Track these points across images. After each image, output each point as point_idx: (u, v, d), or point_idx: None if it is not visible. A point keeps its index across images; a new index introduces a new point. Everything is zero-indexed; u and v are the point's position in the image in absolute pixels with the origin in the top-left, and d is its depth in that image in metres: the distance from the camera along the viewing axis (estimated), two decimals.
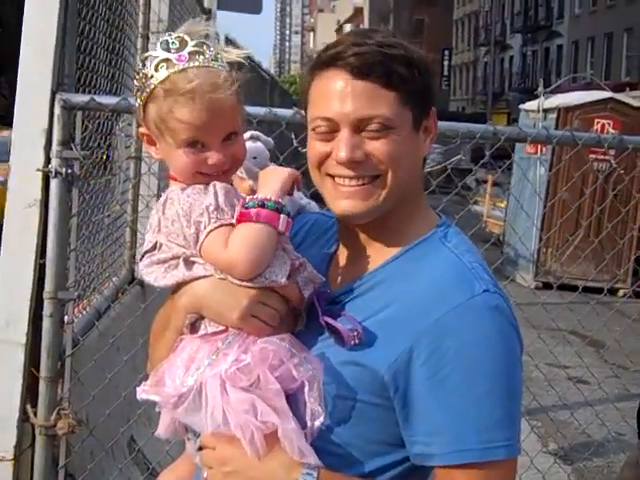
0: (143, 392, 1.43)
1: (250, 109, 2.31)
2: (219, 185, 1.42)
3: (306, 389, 1.36)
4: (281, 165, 1.68)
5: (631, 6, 37.21)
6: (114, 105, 2.66)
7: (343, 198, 1.44)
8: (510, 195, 11.94)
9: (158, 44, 1.43)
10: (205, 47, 1.43)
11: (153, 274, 1.45)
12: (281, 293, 1.43)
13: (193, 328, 1.44)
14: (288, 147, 2.78)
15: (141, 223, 4.37)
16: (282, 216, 1.40)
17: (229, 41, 11.01)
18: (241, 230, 1.38)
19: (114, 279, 4.04)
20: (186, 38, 1.43)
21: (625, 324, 4.76)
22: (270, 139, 1.64)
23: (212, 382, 1.37)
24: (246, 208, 1.39)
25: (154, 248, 1.46)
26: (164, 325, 1.49)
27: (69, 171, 2.57)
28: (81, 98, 2.64)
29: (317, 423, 1.36)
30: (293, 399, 1.38)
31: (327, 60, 1.43)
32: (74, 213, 2.65)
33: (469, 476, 1.34)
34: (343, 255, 1.54)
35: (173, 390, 1.39)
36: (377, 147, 1.41)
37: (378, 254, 1.48)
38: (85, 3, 2.87)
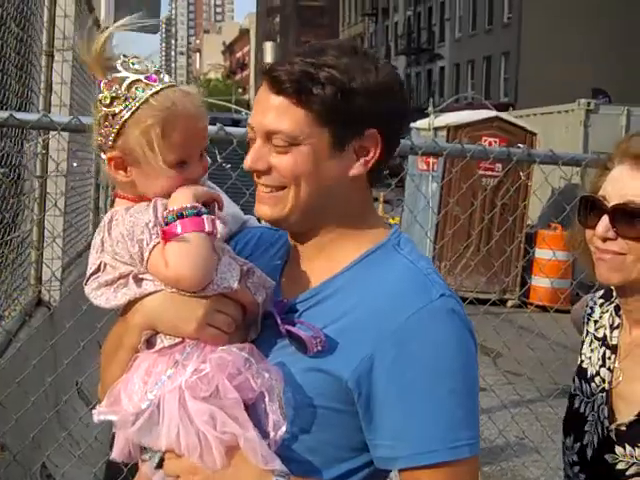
0: (99, 414, 1.40)
1: None
2: (160, 201, 1.42)
3: (266, 399, 1.36)
4: (234, 184, 1.72)
5: (508, 31, 38.88)
6: (35, 122, 2.62)
7: (258, 202, 1.50)
8: (403, 212, 12.24)
9: (119, 66, 1.42)
10: (159, 66, 1.46)
11: (103, 296, 1.43)
12: (234, 299, 1.43)
13: (149, 344, 1.42)
14: (211, 164, 2.79)
15: (46, 242, 4.29)
16: (204, 217, 1.38)
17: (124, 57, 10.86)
18: (172, 249, 1.37)
19: (21, 300, 3.94)
20: (140, 57, 1.45)
21: (518, 334, 4.96)
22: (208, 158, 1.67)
23: (170, 396, 1.36)
24: (167, 224, 1.38)
25: (98, 269, 1.44)
26: (116, 345, 1.47)
27: None
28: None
29: (280, 433, 1.36)
30: (252, 409, 1.38)
31: (263, 71, 1.48)
32: None
33: (435, 477, 1.36)
34: (294, 266, 1.54)
35: (132, 407, 1.37)
36: (279, 161, 1.44)
37: (331, 265, 1.49)
38: None
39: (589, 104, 12.96)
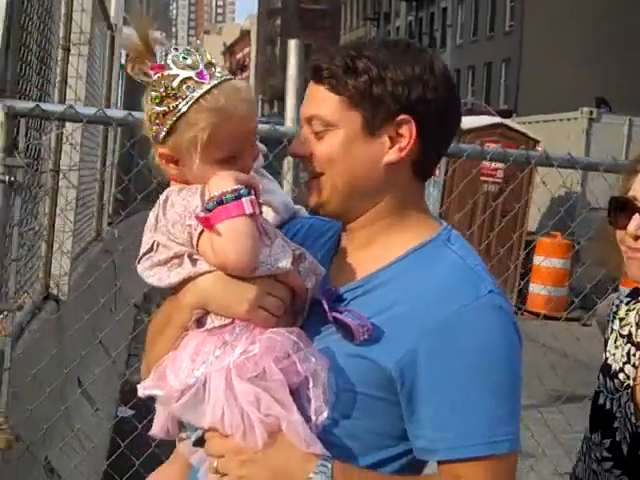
0: (145, 388, 1.42)
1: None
2: (206, 187, 1.43)
3: (310, 385, 1.38)
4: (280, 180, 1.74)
5: (509, 38, 38.96)
6: (60, 113, 2.62)
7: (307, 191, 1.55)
8: None
9: (169, 61, 1.43)
10: (209, 58, 1.46)
11: (156, 275, 1.45)
12: (285, 282, 1.45)
13: (199, 324, 1.43)
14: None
15: (57, 237, 4.29)
16: (244, 200, 1.38)
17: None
18: (215, 236, 1.38)
19: (30, 292, 3.95)
20: (191, 50, 1.45)
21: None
22: (263, 146, 1.69)
23: (217, 375, 1.37)
24: (209, 210, 1.39)
25: (151, 249, 1.46)
26: (165, 323, 1.48)
27: (12, 179, 2.52)
28: (25, 105, 2.59)
29: (321, 419, 1.38)
30: (296, 393, 1.39)
31: (310, 65, 1.55)
32: (16, 222, 2.59)
33: (474, 470, 1.39)
34: (344, 256, 1.57)
35: (178, 384, 1.38)
36: (318, 147, 1.50)
37: (381, 256, 1.51)
38: (24, 10, 2.83)
39: (592, 113, 12.99)
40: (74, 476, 3.71)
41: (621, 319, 2.05)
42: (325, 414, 1.38)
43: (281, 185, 1.63)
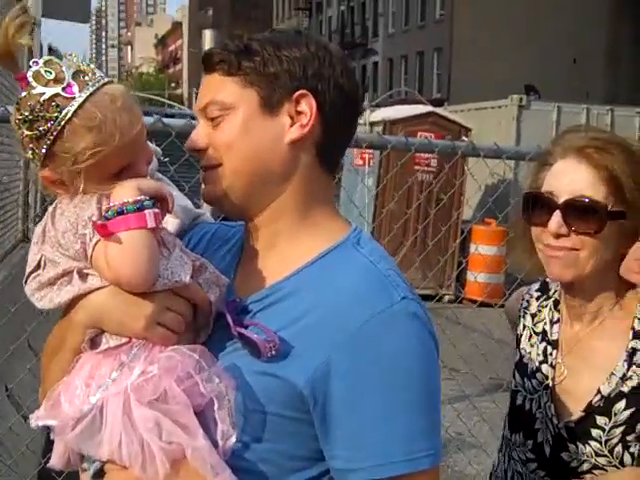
0: (37, 418, 1.30)
1: None
2: (103, 195, 1.32)
3: (215, 407, 1.28)
4: (172, 177, 1.62)
5: (440, 27, 39.33)
6: None
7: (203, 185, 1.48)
8: (339, 208, 12.21)
9: (30, 78, 1.29)
10: (78, 62, 1.32)
11: (46, 297, 1.33)
12: (185, 296, 1.35)
13: (93, 344, 1.32)
14: (179, 158, 2.66)
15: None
16: (147, 212, 1.28)
17: (51, 50, 10.59)
18: (111, 248, 1.27)
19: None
20: (54, 60, 1.31)
21: (456, 329, 4.97)
22: (157, 147, 1.57)
23: (114, 400, 1.27)
24: (107, 219, 1.28)
25: (38, 267, 1.34)
26: (58, 345, 1.37)
27: None
28: None
29: (229, 443, 1.28)
30: (202, 417, 1.29)
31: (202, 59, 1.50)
32: None
33: None
34: (249, 263, 1.47)
35: (73, 411, 1.27)
36: (215, 135, 1.42)
37: (287, 261, 1.41)
38: None
39: (521, 100, 13.17)
40: None
41: (533, 315, 1.99)
42: (233, 438, 1.28)
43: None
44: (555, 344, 1.89)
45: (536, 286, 2.02)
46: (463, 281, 11.24)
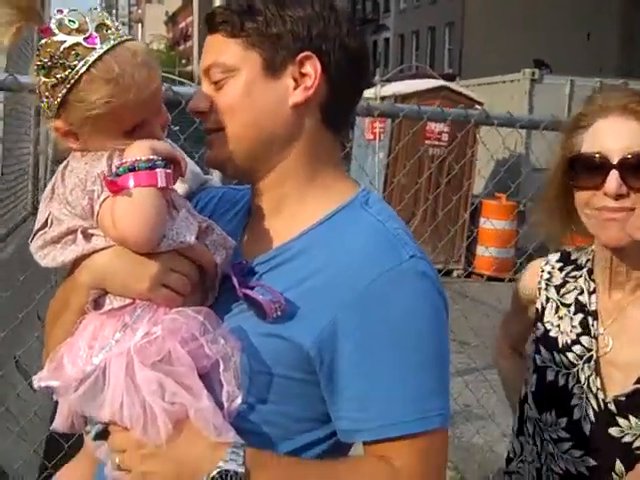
0: (40, 379, 1.29)
1: None
2: (117, 152, 1.31)
3: (221, 368, 1.26)
4: (182, 146, 1.60)
5: (452, 2, 38.96)
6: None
7: (207, 149, 1.45)
8: None
9: (53, 25, 1.27)
10: (102, 17, 1.31)
11: (50, 255, 1.32)
12: (191, 257, 1.33)
13: (96, 305, 1.31)
14: (189, 127, 2.59)
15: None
16: (158, 171, 1.27)
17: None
18: (119, 203, 1.25)
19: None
20: (80, 12, 1.29)
21: (465, 302, 4.95)
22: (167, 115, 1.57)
23: (117, 361, 1.25)
24: (118, 175, 1.27)
25: (45, 225, 1.33)
26: (61, 306, 1.36)
27: None
28: None
29: (235, 405, 1.26)
30: (207, 379, 1.28)
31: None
32: None
33: (402, 450, 1.28)
34: (256, 226, 1.45)
35: (75, 372, 1.26)
36: (218, 98, 1.40)
37: (295, 223, 1.40)
38: None
39: (534, 74, 13.03)
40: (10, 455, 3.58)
41: (558, 287, 1.90)
42: (239, 399, 1.27)
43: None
44: (595, 314, 1.81)
45: (555, 257, 1.96)
46: (472, 256, 11.20)
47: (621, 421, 1.70)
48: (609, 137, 1.68)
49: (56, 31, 1.27)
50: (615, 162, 1.66)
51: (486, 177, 11.27)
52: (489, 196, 10.56)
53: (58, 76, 1.27)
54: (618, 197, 1.66)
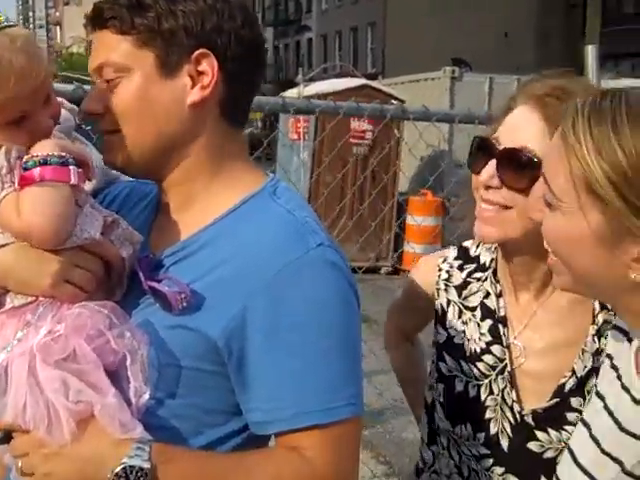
0: None
1: (57, 86, 2.20)
2: (14, 147, 1.27)
3: (128, 363, 1.24)
4: (96, 144, 1.55)
5: (373, 2, 39.35)
6: None
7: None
8: None
9: None
10: None
11: None
12: (96, 252, 1.30)
13: None
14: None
15: None
16: (71, 167, 1.25)
17: None
18: (28, 195, 1.22)
19: None
20: None
21: (391, 296, 5.00)
22: (74, 106, 1.51)
23: (19, 361, 1.22)
24: (27, 169, 1.23)
25: None
26: None
27: None
28: None
29: (142, 400, 1.24)
30: (115, 375, 1.25)
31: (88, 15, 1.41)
32: None
33: (312, 440, 1.27)
34: (164, 220, 1.43)
35: None
36: (112, 99, 1.35)
37: (202, 216, 1.38)
38: None
39: (454, 72, 13.23)
40: None
41: (459, 287, 1.75)
42: (147, 395, 1.24)
43: None
44: (504, 321, 1.67)
45: (453, 254, 1.81)
46: (400, 254, 11.32)
47: (540, 435, 1.61)
48: (511, 124, 1.58)
49: None
50: (498, 150, 1.55)
51: (411, 175, 11.41)
52: (415, 193, 10.67)
53: None
54: (488, 187, 1.56)
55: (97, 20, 1.37)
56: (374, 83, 12.25)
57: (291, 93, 12.13)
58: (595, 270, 1.20)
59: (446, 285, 1.77)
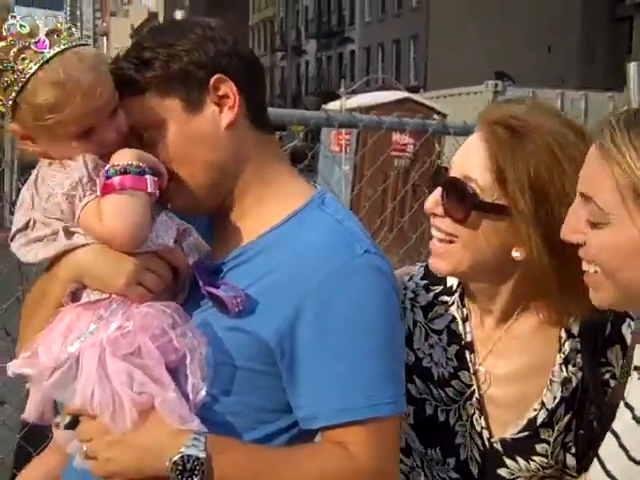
0: (14, 366, 1.35)
1: None
2: (88, 156, 1.38)
3: (187, 361, 1.33)
4: None
5: (416, 15, 39.36)
6: None
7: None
8: None
9: (4, 30, 1.33)
10: (58, 25, 1.36)
11: (32, 252, 1.38)
12: (167, 259, 1.40)
13: (74, 298, 1.38)
14: None
15: None
16: (148, 177, 1.35)
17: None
18: (110, 202, 1.33)
19: None
20: (32, 18, 1.35)
21: None
22: None
23: (91, 351, 1.32)
24: (108, 177, 1.34)
25: (27, 227, 1.39)
26: (38, 299, 1.42)
27: None
28: None
29: (200, 396, 1.33)
30: (175, 372, 1.35)
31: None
32: None
33: (356, 435, 1.35)
34: (221, 230, 1.52)
35: (49, 361, 1.32)
36: (156, 151, 1.42)
37: (257, 225, 1.47)
38: None
39: (497, 86, 13.21)
40: None
41: (426, 308, 1.68)
42: (203, 392, 1.33)
43: None
44: (471, 347, 1.63)
45: (420, 273, 1.72)
46: None
47: (509, 462, 1.59)
48: (460, 151, 1.55)
49: (5, 33, 1.33)
50: (445, 177, 1.52)
51: None
52: None
53: (7, 79, 1.33)
54: (434, 215, 1.53)
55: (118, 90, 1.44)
56: (416, 96, 12.28)
57: (333, 105, 12.20)
58: None
59: (412, 305, 1.71)
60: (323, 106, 12.82)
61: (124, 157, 1.36)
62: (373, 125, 3.06)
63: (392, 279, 1.44)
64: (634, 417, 1.34)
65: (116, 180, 1.33)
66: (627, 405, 1.37)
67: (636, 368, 1.40)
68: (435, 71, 35.71)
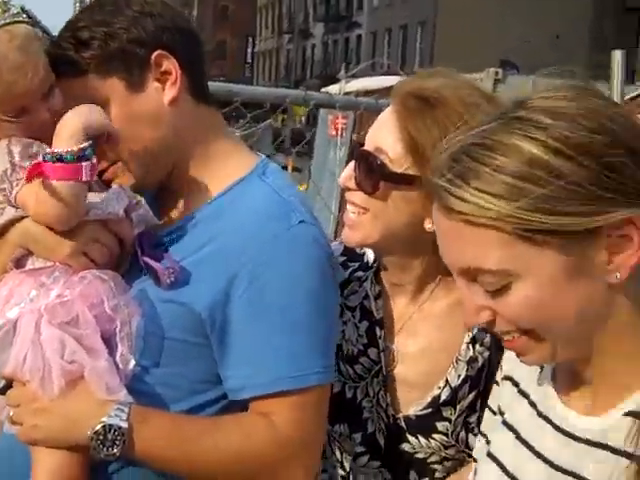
0: None
1: None
2: (13, 141, 1.36)
3: (118, 330, 1.34)
4: None
5: (424, 1, 39.14)
6: None
7: None
8: (310, 179, 12.15)
9: None
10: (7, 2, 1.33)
11: None
12: (114, 230, 1.39)
13: (18, 264, 1.38)
14: None
15: None
16: (84, 165, 1.31)
17: (25, 12, 10.44)
18: (42, 191, 1.31)
19: None
20: None
21: None
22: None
23: (29, 317, 1.33)
24: (44, 161, 1.31)
25: None
26: None
27: None
28: None
29: (129, 367, 1.34)
30: (108, 343, 1.35)
31: None
32: None
33: (281, 405, 1.36)
34: (165, 201, 1.52)
35: None
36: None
37: (198, 197, 1.47)
38: None
39: (497, 73, 13.11)
40: None
41: (342, 285, 1.62)
42: (132, 362, 1.35)
43: None
44: (381, 324, 1.62)
45: (339, 249, 1.69)
46: None
47: (411, 439, 1.60)
48: (375, 124, 1.53)
49: None
50: (359, 151, 1.51)
51: None
52: None
53: None
54: (347, 189, 1.51)
55: (55, 71, 1.40)
56: None
57: (332, 89, 12.11)
58: (586, 305, 1.00)
59: None
60: (323, 89, 12.74)
61: (63, 139, 1.32)
62: (372, 108, 3.02)
63: (328, 249, 1.44)
64: (496, 382, 1.33)
65: (50, 168, 1.30)
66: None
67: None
68: (441, 58, 35.48)
